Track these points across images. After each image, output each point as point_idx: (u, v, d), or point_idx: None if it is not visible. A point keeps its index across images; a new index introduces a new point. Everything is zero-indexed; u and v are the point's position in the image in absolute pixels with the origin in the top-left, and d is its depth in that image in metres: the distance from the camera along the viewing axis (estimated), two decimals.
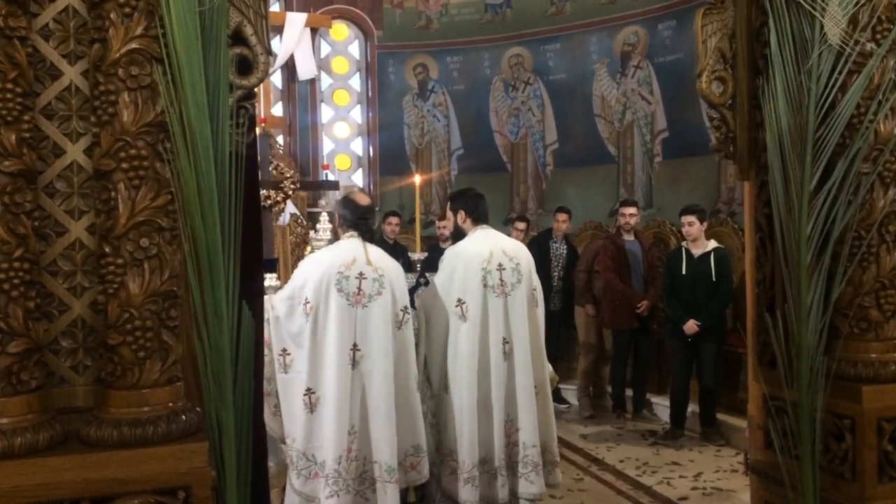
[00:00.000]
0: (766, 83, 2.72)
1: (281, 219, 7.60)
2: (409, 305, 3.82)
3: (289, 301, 3.61)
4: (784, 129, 2.66)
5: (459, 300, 3.87)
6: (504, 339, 3.90)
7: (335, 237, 3.93)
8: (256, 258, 2.52)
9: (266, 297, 3.59)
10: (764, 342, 2.87)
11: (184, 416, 2.12)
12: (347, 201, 3.85)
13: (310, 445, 3.49)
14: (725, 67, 2.92)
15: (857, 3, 2.60)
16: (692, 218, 6.11)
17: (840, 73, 2.60)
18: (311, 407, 3.49)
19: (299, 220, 7.98)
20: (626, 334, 6.91)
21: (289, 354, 3.54)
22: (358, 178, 9.96)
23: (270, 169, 7.15)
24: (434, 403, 3.94)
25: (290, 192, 7.36)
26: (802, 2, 2.62)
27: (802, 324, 2.62)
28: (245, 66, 2.34)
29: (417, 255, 5.10)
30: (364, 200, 3.86)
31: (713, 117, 2.94)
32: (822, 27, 2.61)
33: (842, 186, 2.61)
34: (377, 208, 9.47)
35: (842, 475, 2.64)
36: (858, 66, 2.61)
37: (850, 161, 2.60)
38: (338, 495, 3.44)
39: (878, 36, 2.62)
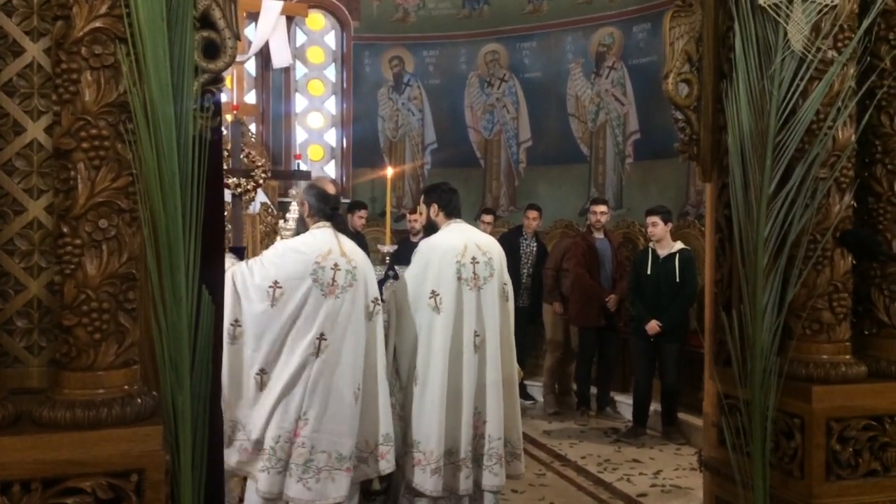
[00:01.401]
0: (730, 87, 2.76)
1: (251, 207, 7.56)
2: (379, 297, 3.82)
3: (253, 278, 3.57)
4: (745, 132, 2.70)
5: (433, 292, 3.89)
6: (476, 332, 3.93)
7: (302, 225, 3.90)
8: (218, 243, 2.50)
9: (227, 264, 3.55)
10: (720, 341, 2.92)
11: (139, 400, 2.11)
12: (318, 191, 3.83)
13: (249, 422, 3.50)
14: (692, 70, 2.96)
15: (820, 12, 2.65)
16: (656, 218, 6.19)
17: (801, 80, 2.65)
18: (261, 385, 3.50)
19: (269, 210, 7.94)
20: (593, 332, 6.98)
21: (239, 326, 3.52)
22: (330, 169, 9.93)
23: (242, 157, 7.08)
24: (402, 395, 3.95)
25: (261, 181, 7.29)
26: (767, 8, 2.66)
27: (757, 324, 2.66)
28: (212, 50, 2.32)
29: (387, 248, 5.09)
30: (332, 189, 3.86)
31: (678, 119, 2.98)
32: (785, 34, 2.66)
33: (799, 191, 2.65)
34: (347, 200, 9.46)
35: (791, 473, 2.70)
36: (819, 73, 2.66)
37: (808, 166, 2.65)
38: (268, 472, 3.46)
39: (840, 44, 2.67)
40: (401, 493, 3.99)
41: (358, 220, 7.85)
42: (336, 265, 3.59)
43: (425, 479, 3.81)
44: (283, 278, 3.50)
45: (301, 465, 3.46)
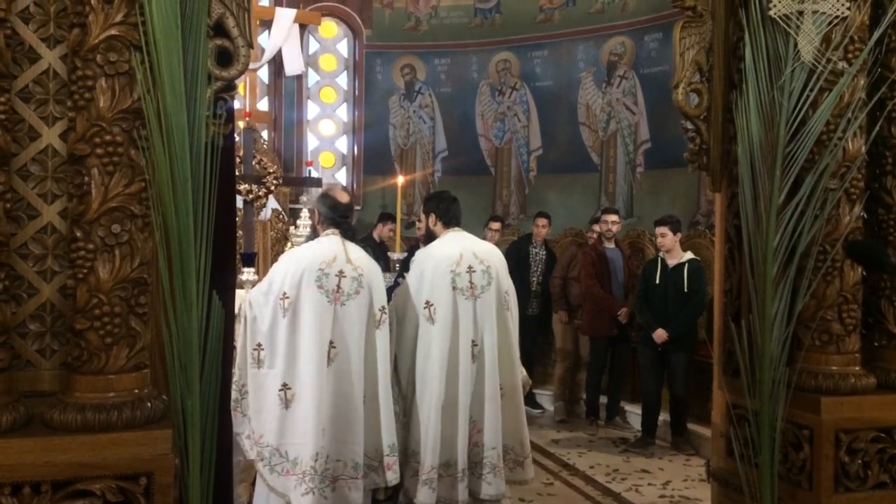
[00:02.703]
0: (740, 97, 2.76)
1: (262, 214, 7.59)
2: (386, 306, 3.82)
3: (265, 296, 3.60)
4: (755, 142, 2.70)
5: (428, 302, 3.88)
6: (473, 341, 3.92)
7: (314, 233, 3.92)
8: (230, 250, 2.53)
9: (241, 291, 3.58)
10: (729, 351, 2.92)
11: (149, 403, 2.13)
12: (328, 198, 3.84)
13: (283, 441, 3.46)
14: (702, 80, 2.97)
15: (830, 23, 2.65)
16: (664, 229, 6.18)
17: (811, 91, 2.65)
18: (287, 403, 3.47)
19: (280, 216, 7.98)
20: (604, 342, 6.95)
21: (262, 350, 3.53)
22: (341, 177, 9.97)
23: (254, 163, 7.13)
24: (403, 404, 3.95)
25: (273, 188, 7.34)
26: (778, 19, 2.67)
27: (766, 334, 2.66)
28: (225, 58, 2.35)
29: (396, 255, 5.10)
30: (344, 198, 3.86)
31: (687, 128, 2.98)
32: (795, 45, 2.66)
33: (809, 201, 2.65)
34: (359, 207, 9.48)
35: (799, 484, 2.69)
36: (829, 85, 2.65)
37: (817, 177, 2.64)
38: (313, 493, 3.42)
39: (850, 55, 2.67)
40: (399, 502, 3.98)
41: (388, 232, 7.88)
42: (341, 272, 3.59)
43: (418, 490, 3.80)
44: (288, 287, 3.51)
45: (318, 475, 3.43)
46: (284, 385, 3.48)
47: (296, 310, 3.50)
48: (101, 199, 2.07)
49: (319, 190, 4.20)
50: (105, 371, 2.10)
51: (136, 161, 2.12)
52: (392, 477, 3.69)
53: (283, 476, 3.46)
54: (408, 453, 3.88)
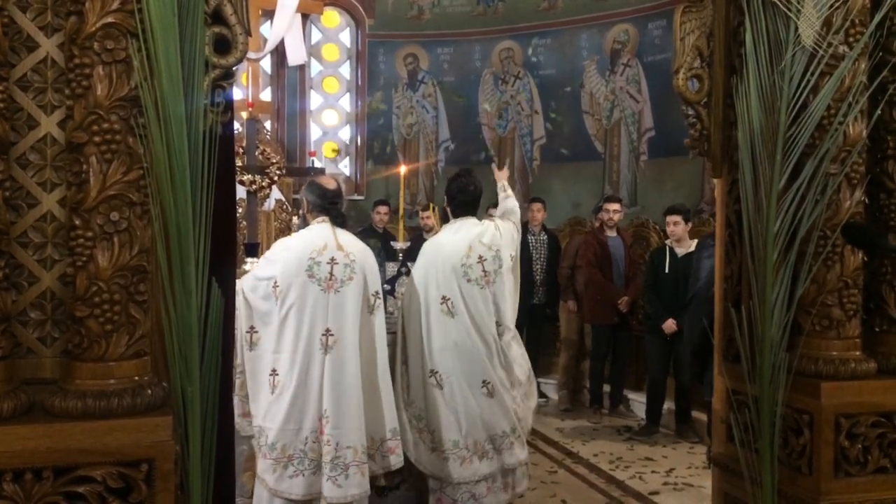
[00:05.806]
0: (741, 82, 2.75)
1: (266, 204, 7.60)
2: (380, 291, 3.84)
3: (256, 282, 3.62)
4: (756, 128, 2.69)
5: (444, 297, 3.96)
6: (497, 322, 4.03)
7: (304, 223, 3.94)
8: (229, 237, 2.53)
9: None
10: (729, 337, 2.91)
11: (149, 391, 2.14)
12: (315, 186, 3.84)
13: (266, 425, 3.52)
14: (702, 65, 2.95)
15: (831, 6, 2.63)
16: (677, 218, 6.16)
17: (812, 75, 2.64)
18: (273, 388, 3.52)
19: (284, 206, 7.99)
20: (606, 330, 6.96)
21: (256, 332, 3.57)
22: (344, 167, 9.96)
23: (257, 154, 7.13)
24: (423, 402, 3.99)
25: (276, 178, 7.35)
26: (778, 3, 2.65)
27: (766, 320, 2.65)
28: (223, 46, 2.34)
29: (400, 245, 5.11)
30: (331, 184, 3.87)
31: (688, 114, 2.97)
32: (796, 29, 2.64)
33: (810, 186, 2.64)
34: (362, 197, 9.48)
35: (799, 469, 2.69)
36: (830, 69, 2.64)
37: (818, 161, 2.63)
38: (303, 475, 3.46)
39: (851, 39, 2.65)
40: (437, 490, 4.03)
41: (375, 215, 7.93)
42: (333, 259, 3.60)
43: (447, 467, 3.92)
44: (279, 276, 3.53)
45: (329, 463, 3.48)
46: (273, 371, 3.52)
47: (286, 299, 3.53)
48: (99, 186, 2.07)
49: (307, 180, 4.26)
50: (105, 358, 2.10)
51: (134, 149, 2.12)
52: (396, 461, 3.72)
53: (262, 458, 3.52)
54: (430, 429, 3.98)
